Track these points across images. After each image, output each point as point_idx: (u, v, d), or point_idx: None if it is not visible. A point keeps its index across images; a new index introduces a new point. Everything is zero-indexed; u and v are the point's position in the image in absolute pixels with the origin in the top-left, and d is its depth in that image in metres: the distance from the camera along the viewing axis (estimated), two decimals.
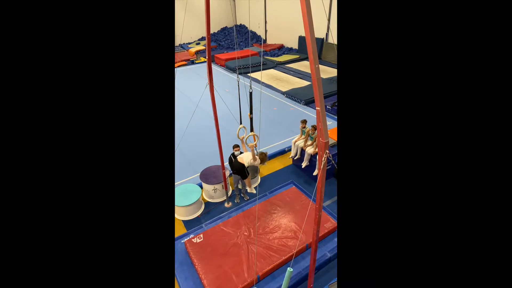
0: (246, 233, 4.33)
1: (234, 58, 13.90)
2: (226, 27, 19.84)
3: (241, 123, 4.67)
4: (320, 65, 2.11)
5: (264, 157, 4.38)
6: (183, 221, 4.97)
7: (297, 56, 14.57)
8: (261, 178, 5.99)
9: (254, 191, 4.44)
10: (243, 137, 4.32)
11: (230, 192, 5.53)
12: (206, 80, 4.22)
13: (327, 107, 8.67)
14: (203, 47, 15.45)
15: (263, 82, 11.21)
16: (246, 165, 4.45)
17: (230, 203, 5.30)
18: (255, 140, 4.25)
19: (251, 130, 4.77)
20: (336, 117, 8.35)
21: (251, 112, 4.63)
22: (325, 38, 13.86)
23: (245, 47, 17.07)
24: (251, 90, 4.40)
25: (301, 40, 15.19)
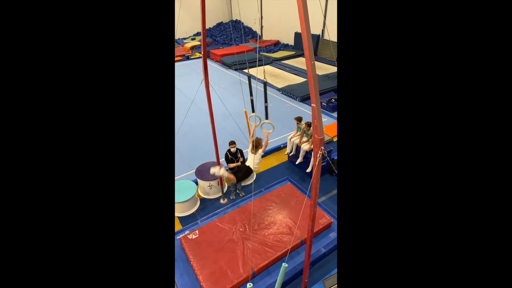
0: (241, 229, 4.35)
1: (229, 54, 13.81)
2: (221, 22, 19.67)
3: (253, 111, 4.70)
4: (316, 62, 2.12)
5: (259, 143, 4.30)
6: (178, 217, 4.97)
7: (293, 52, 14.54)
8: (256, 174, 6.00)
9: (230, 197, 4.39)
10: (256, 125, 4.24)
11: (225, 189, 5.53)
12: (202, 76, 4.19)
13: (323, 103, 8.69)
14: (198, 43, 15.31)
15: (258, 78, 11.17)
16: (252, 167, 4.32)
17: (226, 200, 5.31)
18: (271, 129, 4.21)
19: (266, 118, 4.80)
20: (331, 114, 8.38)
21: (266, 101, 4.68)
22: (321, 35, 13.84)
23: (241, 42, 16.97)
24: (265, 80, 4.45)
25: (297, 36, 15.15)
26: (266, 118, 4.81)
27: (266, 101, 4.75)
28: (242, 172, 4.29)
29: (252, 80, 4.55)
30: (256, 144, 4.21)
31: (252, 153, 4.23)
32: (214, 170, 4.16)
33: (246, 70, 11.79)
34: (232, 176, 4.23)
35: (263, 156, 6.46)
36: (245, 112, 5.66)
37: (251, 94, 4.74)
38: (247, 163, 4.32)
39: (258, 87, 4.88)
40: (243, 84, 4.48)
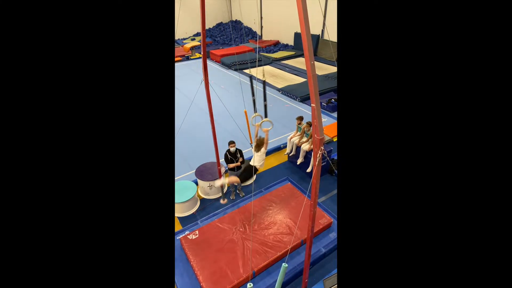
0: (241, 229, 4.34)
1: (229, 54, 13.81)
2: (221, 22, 19.68)
3: (255, 111, 4.76)
4: (315, 62, 2.12)
5: (261, 141, 4.33)
6: (178, 217, 4.96)
7: (293, 52, 14.54)
8: (256, 174, 6.00)
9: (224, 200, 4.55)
10: (258, 125, 4.30)
11: (225, 189, 5.53)
12: (201, 76, 4.19)
13: (323, 104, 8.70)
14: (198, 43, 15.32)
15: (258, 79, 11.17)
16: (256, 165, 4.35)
17: (226, 200, 5.31)
18: (270, 127, 4.25)
19: (265, 116, 4.84)
20: (331, 114, 8.39)
21: (265, 100, 4.74)
22: (320, 35, 13.84)
23: (241, 43, 16.98)
24: (264, 79, 4.49)
25: (297, 36, 15.15)
26: (266, 116, 4.86)
27: (265, 99, 4.82)
28: (245, 172, 4.30)
29: (253, 80, 4.59)
30: (259, 143, 4.23)
31: (255, 151, 4.25)
32: (218, 182, 4.42)
33: (247, 71, 11.79)
34: (235, 179, 4.24)
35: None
36: (245, 112, 5.66)
37: (253, 94, 4.79)
38: (251, 163, 4.32)
39: (258, 87, 4.89)
40: (243, 84, 4.48)
